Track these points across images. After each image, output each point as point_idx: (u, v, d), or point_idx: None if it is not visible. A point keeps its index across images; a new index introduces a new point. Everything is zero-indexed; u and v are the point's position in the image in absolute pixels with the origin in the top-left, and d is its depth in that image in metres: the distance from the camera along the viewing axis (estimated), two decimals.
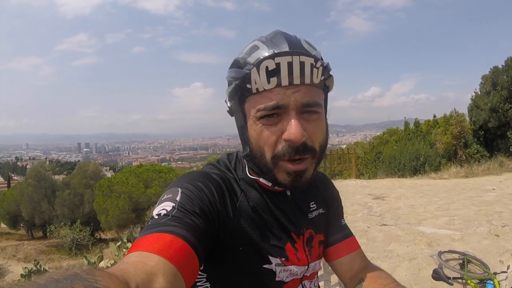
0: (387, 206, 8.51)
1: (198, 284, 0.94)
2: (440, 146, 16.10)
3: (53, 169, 38.12)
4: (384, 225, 6.71)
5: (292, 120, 0.82)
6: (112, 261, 7.62)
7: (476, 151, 15.75)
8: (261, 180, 0.96)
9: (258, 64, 0.81)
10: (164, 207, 0.79)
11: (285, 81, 0.81)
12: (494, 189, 9.48)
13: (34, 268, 10.44)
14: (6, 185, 66.05)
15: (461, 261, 3.84)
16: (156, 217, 0.76)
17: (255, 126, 0.86)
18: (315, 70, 0.83)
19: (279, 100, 0.81)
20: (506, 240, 5.29)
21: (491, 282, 3.12)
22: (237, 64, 0.88)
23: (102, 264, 8.75)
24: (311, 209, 1.08)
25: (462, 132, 15.99)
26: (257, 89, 0.83)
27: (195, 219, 0.77)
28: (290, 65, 0.80)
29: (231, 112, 0.96)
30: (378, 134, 23.49)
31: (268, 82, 0.81)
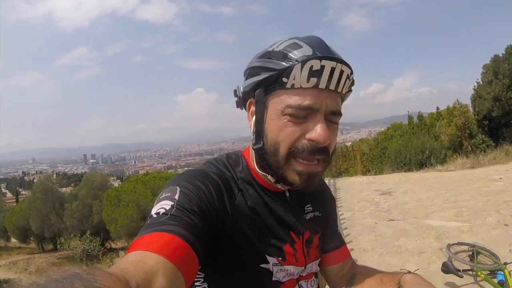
0: (394, 201, 8.47)
1: (196, 284, 0.93)
2: (445, 138, 16.02)
3: (60, 182, 38.28)
4: (392, 220, 6.68)
5: (321, 123, 0.84)
6: None
7: (481, 141, 15.67)
8: (268, 177, 0.96)
9: (304, 61, 0.81)
10: (163, 205, 0.79)
11: (323, 84, 0.83)
12: (501, 178, 9.40)
13: None
14: (14, 200, 66.14)
15: (470, 253, 3.83)
16: (155, 216, 0.76)
17: (278, 120, 0.86)
18: (347, 81, 0.87)
19: (314, 102, 0.83)
20: None
21: (502, 273, 3.11)
22: (273, 56, 0.87)
23: None
24: (306, 211, 1.09)
25: (466, 123, 15.91)
26: (292, 85, 0.83)
27: (194, 217, 0.77)
28: (332, 70, 0.82)
29: (241, 102, 0.98)
30: (383, 129, 23.43)
31: (308, 81, 0.82)
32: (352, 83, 0.90)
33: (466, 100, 17.66)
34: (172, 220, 0.74)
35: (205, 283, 0.93)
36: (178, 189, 0.83)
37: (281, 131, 0.86)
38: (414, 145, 15.25)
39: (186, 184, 0.86)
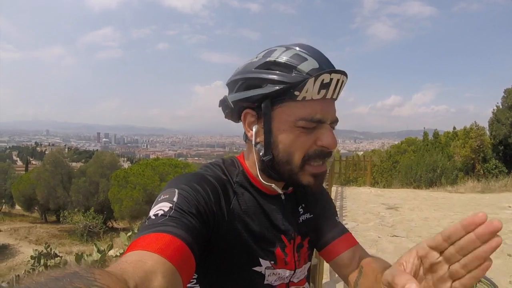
0: (400, 217, 8.42)
1: (188, 285, 0.94)
2: (458, 159, 15.87)
3: (71, 156, 38.75)
4: (396, 236, 6.64)
5: (329, 131, 0.92)
6: (122, 251, 7.70)
7: (494, 166, 15.48)
8: (273, 186, 0.98)
9: (317, 75, 0.85)
10: (161, 207, 0.80)
11: (329, 95, 0.90)
12: (510, 206, 9.29)
13: (45, 251, 10.58)
14: (24, 169, 66.75)
15: None
16: (153, 217, 0.77)
17: (291, 133, 0.90)
18: (343, 89, 0.94)
19: (323, 116, 0.90)
20: None
21: None
22: (276, 67, 0.90)
23: (111, 252, 8.85)
24: (300, 213, 1.10)
25: (481, 146, 15.73)
26: (304, 97, 0.88)
27: (192, 220, 0.79)
28: (337, 82, 0.89)
29: (230, 113, 1.01)
30: (396, 143, 23.21)
31: (318, 93, 0.88)
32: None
33: (484, 123, 17.46)
34: (170, 222, 0.75)
35: (197, 284, 0.94)
36: (177, 191, 0.85)
37: (294, 142, 0.91)
38: (426, 162, 15.10)
39: (185, 186, 0.87)
